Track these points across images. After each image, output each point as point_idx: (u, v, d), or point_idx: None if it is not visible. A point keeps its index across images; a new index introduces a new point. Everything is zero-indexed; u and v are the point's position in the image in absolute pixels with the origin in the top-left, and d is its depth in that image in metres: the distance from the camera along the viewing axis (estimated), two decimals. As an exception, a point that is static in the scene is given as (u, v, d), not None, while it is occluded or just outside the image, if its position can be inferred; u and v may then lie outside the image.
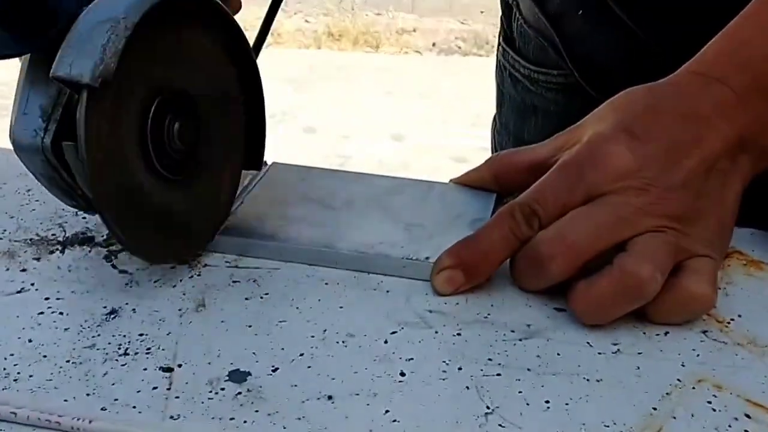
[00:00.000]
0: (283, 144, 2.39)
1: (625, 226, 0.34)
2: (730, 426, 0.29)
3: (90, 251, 0.39)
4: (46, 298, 0.35)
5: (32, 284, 0.36)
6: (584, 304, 0.34)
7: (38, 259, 0.38)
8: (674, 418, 0.29)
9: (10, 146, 0.49)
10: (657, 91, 0.36)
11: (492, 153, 0.64)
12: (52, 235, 0.40)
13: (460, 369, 0.31)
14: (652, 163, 0.34)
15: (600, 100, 0.38)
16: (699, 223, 0.34)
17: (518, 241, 0.35)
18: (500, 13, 0.59)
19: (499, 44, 0.60)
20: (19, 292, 0.35)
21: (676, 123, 0.35)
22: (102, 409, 0.29)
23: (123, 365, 0.31)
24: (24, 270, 0.37)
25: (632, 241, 0.33)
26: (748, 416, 0.29)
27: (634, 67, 0.48)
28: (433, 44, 3.26)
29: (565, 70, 0.53)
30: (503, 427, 0.29)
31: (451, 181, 0.43)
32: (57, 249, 0.39)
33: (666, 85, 0.37)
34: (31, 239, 0.39)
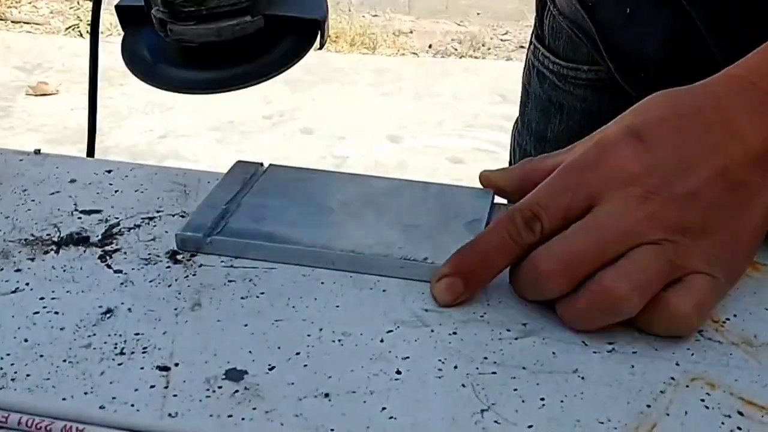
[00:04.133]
0: (280, 145, 2.39)
1: (626, 240, 0.32)
2: (723, 423, 0.29)
3: (85, 251, 0.39)
4: (41, 298, 0.35)
5: (27, 284, 0.36)
6: (568, 315, 0.33)
7: (32, 259, 0.38)
8: (668, 415, 0.29)
9: (3, 147, 0.50)
10: (686, 94, 0.34)
11: (510, 155, 0.64)
12: (47, 235, 0.40)
13: (456, 367, 0.31)
14: (657, 170, 0.32)
15: (631, 96, 0.36)
16: (705, 237, 0.32)
17: (518, 246, 0.34)
18: (534, 14, 0.60)
19: (530, 42, 0.60)
20: (13, 291, 0.35)
21: (697, 128, 0.33)
22: (100, 407, 0.29)
23: (120, 364, 0.31)
24: (18, 270, 0.37)
25: (628, 253, 0.32)
26: (741, 414, 0.30)
27: (672, 62, 0.47)
28: (430, 46, 3.26)
29: (596, 66, 0.52)
30: (498, 423, 0.29)
31: (481, 174, 0.42)
32: (52, 249, 0.39)
33: (698, 87, 0.35)
34: (25, 239, 0.39)
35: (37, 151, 0.48)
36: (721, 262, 0.33)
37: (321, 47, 0.42)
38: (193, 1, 0.38)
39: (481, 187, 0.42)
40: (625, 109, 0.36)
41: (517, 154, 0.62)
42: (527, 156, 0.60)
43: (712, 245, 0.32)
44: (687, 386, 0.31)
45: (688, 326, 0.33)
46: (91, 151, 0.54)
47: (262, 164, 0.45)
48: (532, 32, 0.60)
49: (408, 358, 0.32)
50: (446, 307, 0.35)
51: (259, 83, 0.42)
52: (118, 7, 0.44)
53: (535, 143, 0.59)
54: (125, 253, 0.38)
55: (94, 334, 0.33)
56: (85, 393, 0.30)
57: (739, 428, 0.29)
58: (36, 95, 2.66)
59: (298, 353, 0.32)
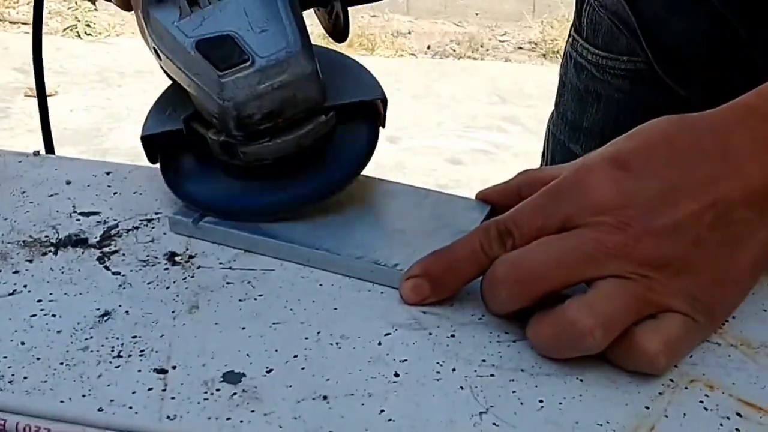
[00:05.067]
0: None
1: (589, 266, 0.31)
2: (721, 425, 0.29)
3: (83, 253, 0.38)
4: (39, 300, 0.35)
5: (24, 286, 0.36)
6: (534, 340, 0.32)
7: (31, 261, 0.38)
8: (666, 417, 0.29)
9: (5, 148, 0.50)
10: (687, 122, 0.32)
11: (544, 145, 0.65)
12: (45, 236, 0.40)
13: (454, 370, 0.31)
14: (637, 200, 0.31)
15: (668, 87, 0.35)
16: (685, 275, 0.30)
17: (487, 258, 0.33)
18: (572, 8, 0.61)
19: (569, 35, 0.61)
20: (11, 294, 0.35)
21: (690, 159, 0.31)
22: (98, 410, 0.29)
23: (117, 367, 0.31)
24: (16, 272, 0.37)
25: (595, 284, 0.31)
26: (739, 415, 0.30)
27: (713, 55, 0.47)
28: (428, 47, 3.27)
29: (635, 57, 0.53)
30: (497, 426, 0.29)
31: (478, 193, 0.42)
32: (50, 251, 0.39)
33: (704, 116, 0.33)
34: (24, 241, 0.39)
35: (36, 153, 0.48)
36: (702, 303, 0.31)
37: (384, 127, 0.39)
38: (270, 116, 0.34)
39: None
40: (661, 100, 0.34)
41: (551, 144, 0.63)
42: (561, 145, 0.61)
43: (692, 283, 0.30)
44: (686, 388, 0.31)
45: (654, 366, 0.31)
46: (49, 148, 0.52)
47: None
48: (571, 25, 0.61)
49: (406, 360, 0.32)
50: (412, 305, 0.35)
51: (351, 180, 0.38)
52: (145, 138, 0.38)
53: (570, 132, 0.60)
54: (123, 254, 0.38)
55: (92, 337, 0.33)
56: (83, 396, 0.30)
57: (738, 430, 0.29)
58: (35, 96, 2.66)
59: (296, 356, 0.32)
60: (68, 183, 0.44)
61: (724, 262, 0.31)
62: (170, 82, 0.40)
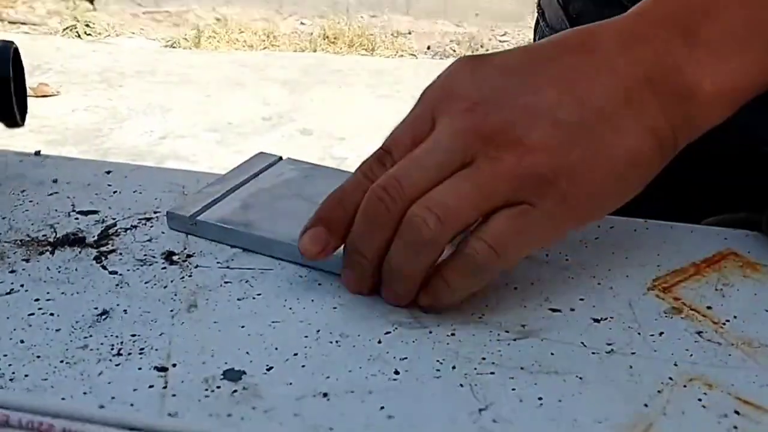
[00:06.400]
0: (279, 146, 2.39)
1: (448, 158, 0.31)
2: (719, 423, 0.29)
3: (80, 252, 0.38)
4: (36, 300, 0.35)
5: (21, 285, 0.36)
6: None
7: (27, 261, 0.38)
8: (665, 415, 0.29)
9: (4, 148, 0.50)
10: (566, 31, 0.34)
11: None
12: (43, 235, 0.40)
13: (454, 368, 0.31)
14: (487, 85, 0.32)
15: None
16: (537, 154, 0.30)
17: (369, 182, 0.33)
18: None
19: None
20: (8, 293, 0.35)
21: (556, 54, 0.32)
22: (100, 407, 0.29)
23: (117, 365, 0.31)
24: (13, 271, 0.37)
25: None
26: (737, 413, 0.30)
27: None
28: (428, 47, 3.26)
29: None
30: (496, 423, 0.29)
31: None
32: (47, 250, 0.39)
33: (591, 26, 0.33)
34: (21, 240, 0.39)
35: (37, 153, 0.48)
36: (557, 188, 0.30)
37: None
38: None
39: None
40: None
41: None
42: None
43: (545, 165, 0.30)
44: (684, 386, 0.31)
45: (489, 270, 0.32)
46: None
47: (281, 157, 0.45)
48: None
49: (406, 358, 0.32)
50: (313, 258, 0.34)
51: None
52: None
53: None
54: (121, 254, 0.38)
55: (91, 335, 0.33)
56: (84, 393, 0.30)
57: (736, 428, 0.29)
58: (37, 96, 2.66)
59: (296, 354, 0.32)
60: (68, 182, 0.45)
61: (591, 149, 0.30)
62: None
